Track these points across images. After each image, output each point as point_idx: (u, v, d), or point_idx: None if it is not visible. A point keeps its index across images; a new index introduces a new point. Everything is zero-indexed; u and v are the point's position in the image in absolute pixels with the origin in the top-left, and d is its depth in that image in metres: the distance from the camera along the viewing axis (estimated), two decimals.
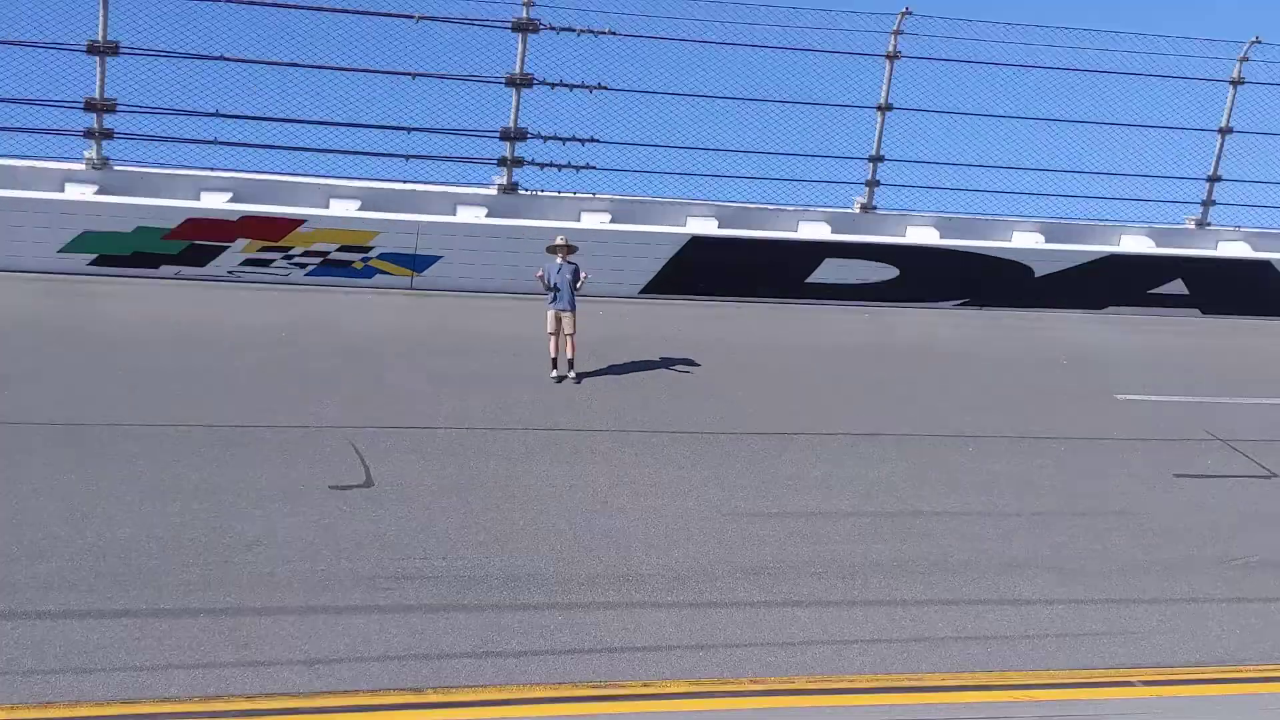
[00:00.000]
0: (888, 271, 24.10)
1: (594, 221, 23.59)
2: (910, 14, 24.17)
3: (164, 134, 22.00)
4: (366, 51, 22.42)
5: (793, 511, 15.70)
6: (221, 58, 21.66)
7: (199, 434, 15.93)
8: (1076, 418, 19.62)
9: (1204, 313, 25.63)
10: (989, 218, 25.67)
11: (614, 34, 23.07)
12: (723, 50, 23.80)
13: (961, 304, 24.60)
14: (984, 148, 25.51)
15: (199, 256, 21.34)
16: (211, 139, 22.11)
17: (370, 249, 21.87)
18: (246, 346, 18.95)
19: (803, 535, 15.10)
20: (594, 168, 23.63)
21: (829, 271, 23.87)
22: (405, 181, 23.30)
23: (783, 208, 24.84)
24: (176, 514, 13.95)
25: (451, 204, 23.39)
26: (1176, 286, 25.47)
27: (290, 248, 21.59)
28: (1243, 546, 16.03)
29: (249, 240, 21.41)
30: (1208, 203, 26.68)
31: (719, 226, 24.14)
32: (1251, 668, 13.40)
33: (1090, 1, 41.47)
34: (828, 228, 24.67)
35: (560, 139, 23.43)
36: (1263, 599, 14.81)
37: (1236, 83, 25.95)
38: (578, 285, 19.05)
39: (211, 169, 22.51)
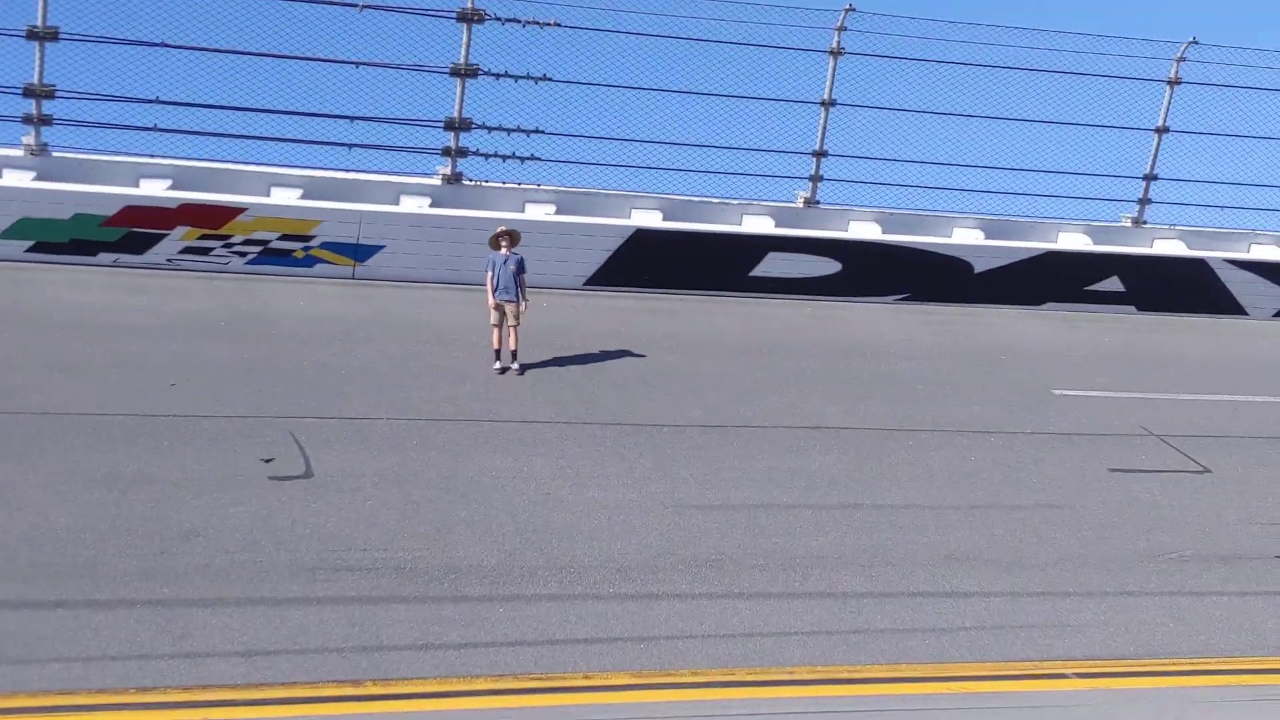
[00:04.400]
0: (830, 266, 24.22)
1: (538, 213, 23.54)
2: (854, 10, 24.26)
3: (103, 120, 21.77)
4: (310, 39, 22.26)
5: (735, 504, 15.77)
6: (163, 44, 21.42)
7: (136, 423, 15.80)
8: (1014, 412, 19.81)
9: (1140, 310, 25.92)
10: (930, 214, 25.83)
11: (559, 25, 23.02)
12: (668, 43, 23.81)
13: (903, 299, 24.76)
14: (926, 144, 25.68)
15: (138, 244, 21.13)
16: (151, 126, 21.86)
17: (312, 238, 21.74)
18: (185, 335, 18.79)
19: (744, 527, 15.18)
20: (539, 159, 23.59)
21: (772, 265, 23.95)
22: (348, 170, 23.16)
23: (727, 201, 24.90)
24: (113, 504, 13.84)
25: (395, 194, 23.28)
26: (1113, 284, 25.74)
27: (230, 236, 21.43)
28: (1176, 541, 16.25)
29: (188, 228, 21.22)
30: (1144, 201, 26.96)
31: (663, 219, 24.18)
32: (1184, 661, 13.59)
33: (1031, 2, 41.87)
34: (771, 222, 24.75)
35: (505, 130, 23.35)
36: (1195, 593, 15.02)
37: (1173, 83, 26.24)
38: (521, 277, 19.08)
39: (151, 156, 22.26)
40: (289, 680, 11.36)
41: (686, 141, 24.47)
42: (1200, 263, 26.34)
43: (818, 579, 14.27)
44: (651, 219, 24.07)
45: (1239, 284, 26.34)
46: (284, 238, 21.63)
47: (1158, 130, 26.56)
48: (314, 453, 15.67)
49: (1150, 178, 26.78)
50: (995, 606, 14.18)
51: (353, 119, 22.61)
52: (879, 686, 12.50)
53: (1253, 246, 27.32)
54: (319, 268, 21.96)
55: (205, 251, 21.46)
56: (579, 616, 12.97)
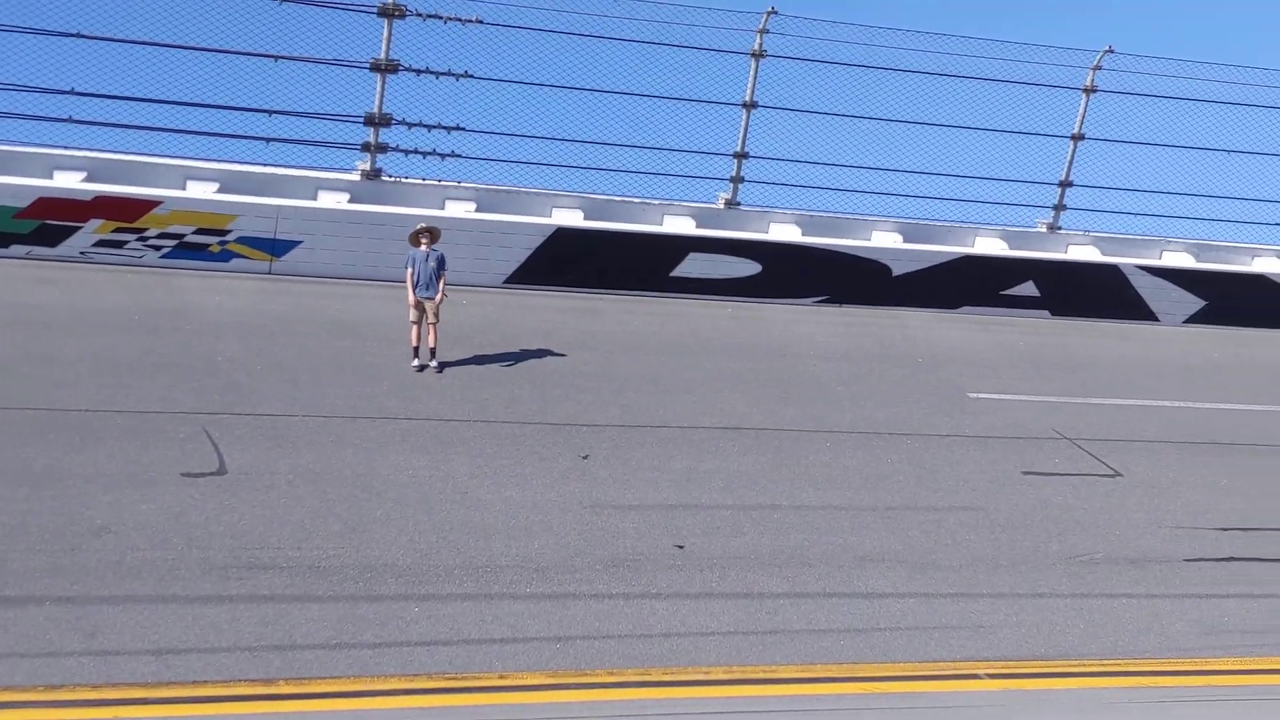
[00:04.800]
0: (750, 267, 24.31)
1: (459, 210, 23.44)
2: (776, 13, 24.37)
3: (17, 111, 21.41)
4: (228, 32, 22.04)
5: (653, 504, 15.79)
6: (79, 35, 21.10)
7: (47, 418, 15.56)
8: (930, 415, 19.99)
9: (1054, 314, 26.23)
10: (850, 217, 25.99)
11: (481, 22, 22.94)
12: (591, 43, 23.78)
13: (822, 301, 24.90)
14: (846, 147, 25.84)
15: (51, 236, 20.80)
16: (66, 117, 21.56)
17: (228, 232, 21.52)
18: (98, 329, 18.54)
19: (662, 528, 15.20)
20: (459, 156, 23.49)
21: (693, 266, 24.01)
22: (266, 165, 22.93)
23: (648, 201, 24.92)
24: (23, 500, 13.63)
25: (313, 189, 23.09)
26: (1028, 288, 26.03)
27: (145, 229, 21.16)
28: (1087, 543, 16.46)
29: (103, 221, 20.93)
30: (1059, 207, 27.28)
31: (585, 218, 24.16)
32: (1094, 662, 13.78)
33: (952, 7, 42.29)
34: (692, 222, 24.81)
35: (426, 126, 23.23)
36: (1105, 595, 15.22)
37: (1089, 90, 26.57)
38: (441, 274, 19.01)
39: (66, 148, 21.95)
40: (200, 679, 11.26)
41: (608, 141, 24.47)
42: (1113, 269, 26.70)
43: (734, 579, 14.32)
44: (572, 218, 24.05)
45: (1150, 290, 26.73)
46: (200, 232, 21.40)
47: (1073, 137, 26.89)
48: (227, 449, 15.51)
49: (1065, 184, 27.11)
50: (909, 607, 14.29)
51: (271, 113, 22.40)
52: (794, 687, 12.56)
53: (1164, 253, 27.73)
54: (235, 262, 21.74)
55: (120, 245, 21.18)
56: (495, 616, 12.94)
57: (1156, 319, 26.90)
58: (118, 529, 13.40)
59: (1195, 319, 27.06)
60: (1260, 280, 27.67)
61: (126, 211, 21.02)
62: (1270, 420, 21.78)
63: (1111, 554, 16.27)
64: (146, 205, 21.10)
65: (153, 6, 21.69)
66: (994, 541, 16.16)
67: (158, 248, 21.34)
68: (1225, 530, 17.30)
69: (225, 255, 21.66)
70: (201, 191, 22.01)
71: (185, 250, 21.46)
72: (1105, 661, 13.82)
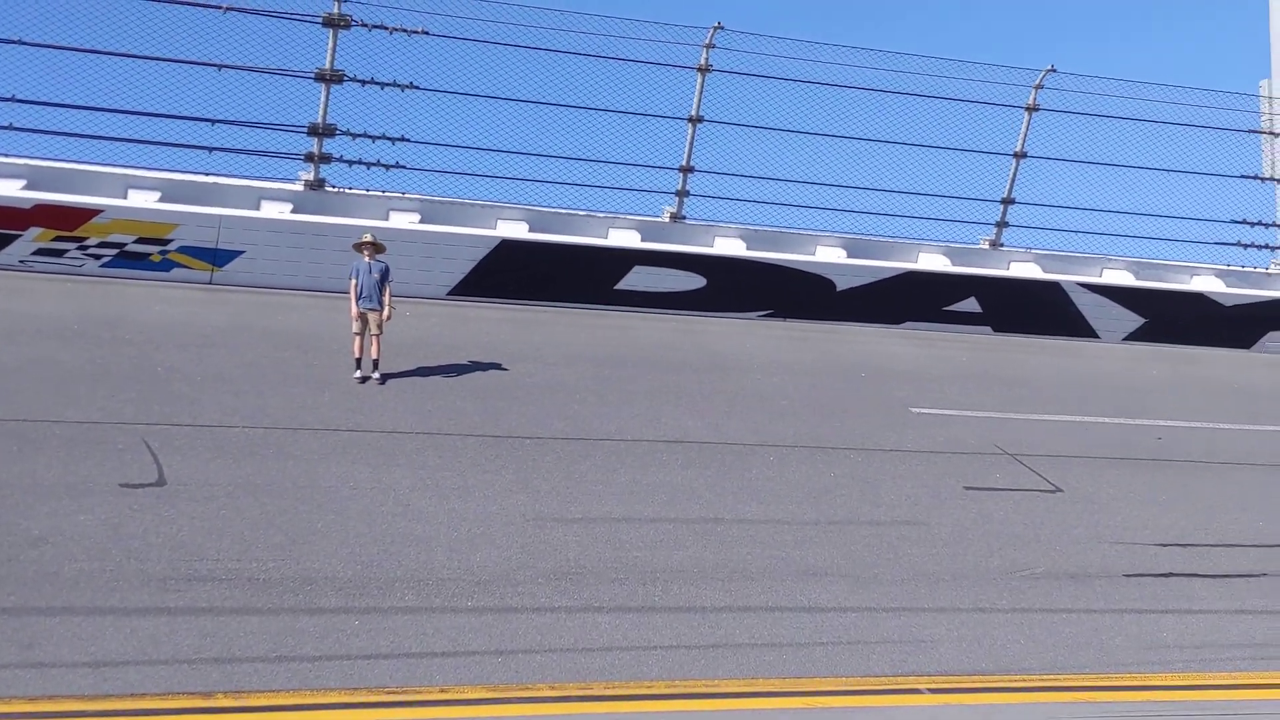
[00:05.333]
0: (695, 281, 24.35)
1: (403, 221, 23.36)
2: (722, 28, 24.47)
3: None
4: (171, 40, 21.87)
5: (596, 517, 15.75)
6: (20, 41, 20.94)
7: None
8: (873, 430, 20.06)
9: (996, 330, 26.43)
10: (794, 232, 26.10)
11: (427, 34, 22.90)
12: (537, 55, 23.80)
13: (766, 315, 24.97)
14: (791, 163, 25.95)
15: None
16: (6, 124, 21.36)
17: (169, 242, 21.34)
18: (36, 338, 18.32)
19: (606, 541, 15.16)
20: (404, 167, 23.42)
21: (638, 279, 24.03)
22: (208, 174, 22.75)
23: (593, 214, 24.91)
24: None
25: (255, 199, 22.94)
26: (971, 304, 26.22)
27: (85, 238, 20.96)
28: (1028, 558, 16.55)
29: (42, 229, 20.72)
30: (1001, 224, 27.49)
31: (529, 230, 24.12)
32: (1034, 677, 13.83)
33: (898, 25, 42.60)
34: (637, 236, 24.83)
35: (370, 137, 23.15)
36: (1046, 609, 15.30)
37: (1031, 109, 26.82)
38: (385, 285, 18.92)
39: (5, 155, 21.73)
40: (138, 691, 11.10)
41: (553, 154, 24.48)
42: (1054, 285, 26.94)
43: (677, 593, 14.29)
44: (517, 230, 24.00)
45: (1091, 307, 26.99)
46: (141, 241, 21.21)
47: (1016, 155, 27.12)
48: (167, 460, 15.35)
49: (1008, 201, 27.33)
50: (852, 622, 14.31)
51: (214, 122, 22.26)
52: (736, 701, 12.53)
53: (1105, 271, 28.00)
54: (176, 272, 21.57)
55: (59, 254, 20.98)
56: (436, 629, 12.85)
57: (1097, 336, 27.16)
58: (55, 540, 13.23)
59: (1135, 336, 27.35)
60: (1199, 298, 27.99)
61: (67, 220, 20.81)
62: (1209, 437, 22.01)
63: (1052, 569, 16.36)
64: (87, 214, 20.91)
65: (97, 14, 21.52)
66: (936, 556, 16.22)
67: (98, 257, 21.14)
68: (1164, 546, 17.44)
69: (166, 265, 21.49)
70: (143, 200, 21.83)
71: (126, 259, 21.28)
72: (1045, 676, 13.88)
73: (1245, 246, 28.77)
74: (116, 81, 21.72)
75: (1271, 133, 29.31)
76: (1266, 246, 29.09)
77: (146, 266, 21.40)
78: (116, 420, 16.21)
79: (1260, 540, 18.06)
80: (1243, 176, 28.67)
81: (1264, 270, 29.26)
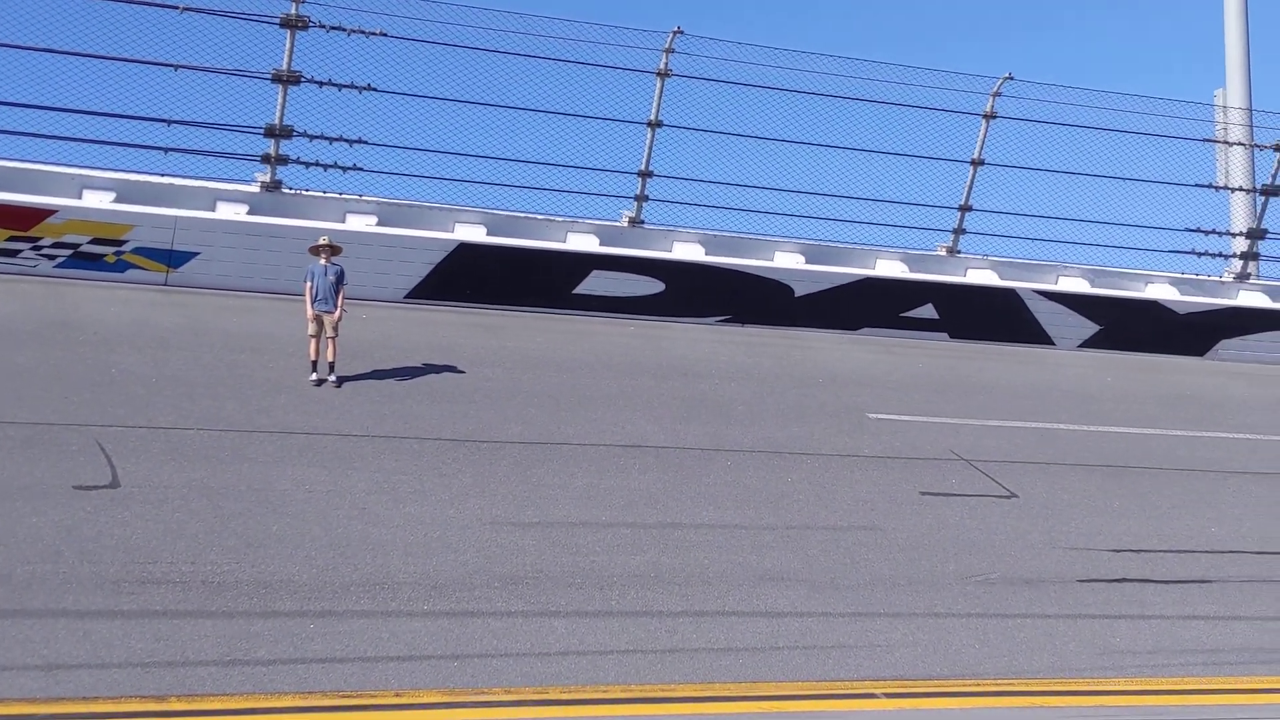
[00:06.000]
0: (653, 286, 24.36)
1: (360, 224, 23.27)
2: (682, 33, 24.50)
3: None
4: (127, 40, 21.73)
5: (553, 521, 15.72)
6: None
7: None
8: (830, 435, 20.11)
9: (952, 337, 26.54)
10: (753, 237, 26.16)
11: (385, 35, 22.84)
12: (495, 58, 23.76)
13: (724, 320, 25.00)
14: (750, 168, 26.02)
15: None
16: None
17: (124, 242, 21.18)
18: None
19: (562, 545, 15.13)
20: (361, 169, 23.35)
21: (596, 283, 24.01)
22: (164, 175, 22.62)
23: (552, 218, 24.89)
24: None
25: (211, 200, 22.80)
26: (928, 311, 26.34)
27: (39, 238, 20.78)
28: (983, 564, 16.62)
29: None
30: (958, 231, 27.63)
31: (487, 234, 24.08)
32: (990, 681, 13.88)
33: (857, 32, 42.80)
34: (596, 240, 24.82)
35: (327, 139, 23.07)
36: (1001, 614, 15.36)
37: (989, 116, 26.97)
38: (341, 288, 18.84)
39: None
40: (91, 694, 11.00)
41: (512, 157, 24.48)
42: (1011, 293, 27.09)
43: (634, 598, 14.28)
44: (475, 233, 23.96)
45: (1047, 314, 27.16)
46: (95, 241, 21.05)
47: (973, 162, 27.27)
48: (121, 462, 15.23)
49: (965, 208, 27.47)
50: (808, 626, 14.33)
51: (169, 122, 22.15)
52: (692, 706, 12.54)
53: (1060, 278, 28.19)
54: (131, 273, 21.42)
55: (13, 254, 20.80)
56: (392, 633, 12.79)
57: (1053, 343, 27.32)
58: (8, 542, 13.09)
59: (1090, 343, 27.53)
60: (1153, 306, 28.21)
61: (20, 220, 20.63)
62: (1163, 443, 22.17)
63: (1007, 574, 16.43)
64: (41, 214, 20.74)
65: (51, 13, 21.38)
66: (892, 561, 16.26)
67: (52, 257, 20.97)
68: (1118, 552, 17.55)
69: (121, 266, 21.33)
70: (98, 201, 21.67)
71: (80, 260, 21.11)
72: (1000, 681, 13.93)
73: (1199, 255, 29.02)
74: (71, 81, 21.61)
75: (1226, 142, 29.60)
76: (1220, 255, 29.36)
77: (101, 267, 21.23)
78: (70, 422, 16.07)
79: (1212, 546, 18.21)
80: (1197, 185, 28.94)
81: (1217, 279, 29.53)
